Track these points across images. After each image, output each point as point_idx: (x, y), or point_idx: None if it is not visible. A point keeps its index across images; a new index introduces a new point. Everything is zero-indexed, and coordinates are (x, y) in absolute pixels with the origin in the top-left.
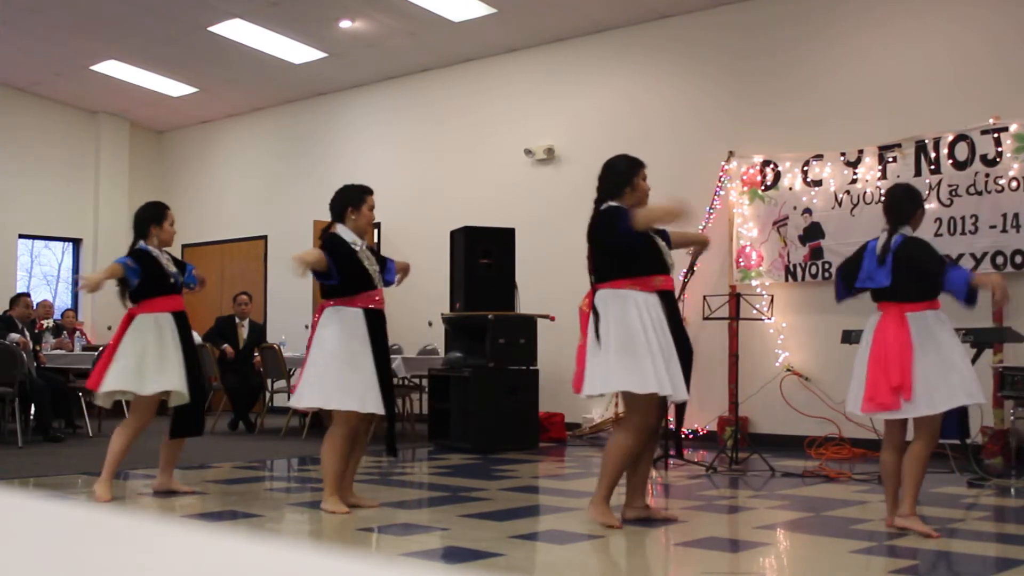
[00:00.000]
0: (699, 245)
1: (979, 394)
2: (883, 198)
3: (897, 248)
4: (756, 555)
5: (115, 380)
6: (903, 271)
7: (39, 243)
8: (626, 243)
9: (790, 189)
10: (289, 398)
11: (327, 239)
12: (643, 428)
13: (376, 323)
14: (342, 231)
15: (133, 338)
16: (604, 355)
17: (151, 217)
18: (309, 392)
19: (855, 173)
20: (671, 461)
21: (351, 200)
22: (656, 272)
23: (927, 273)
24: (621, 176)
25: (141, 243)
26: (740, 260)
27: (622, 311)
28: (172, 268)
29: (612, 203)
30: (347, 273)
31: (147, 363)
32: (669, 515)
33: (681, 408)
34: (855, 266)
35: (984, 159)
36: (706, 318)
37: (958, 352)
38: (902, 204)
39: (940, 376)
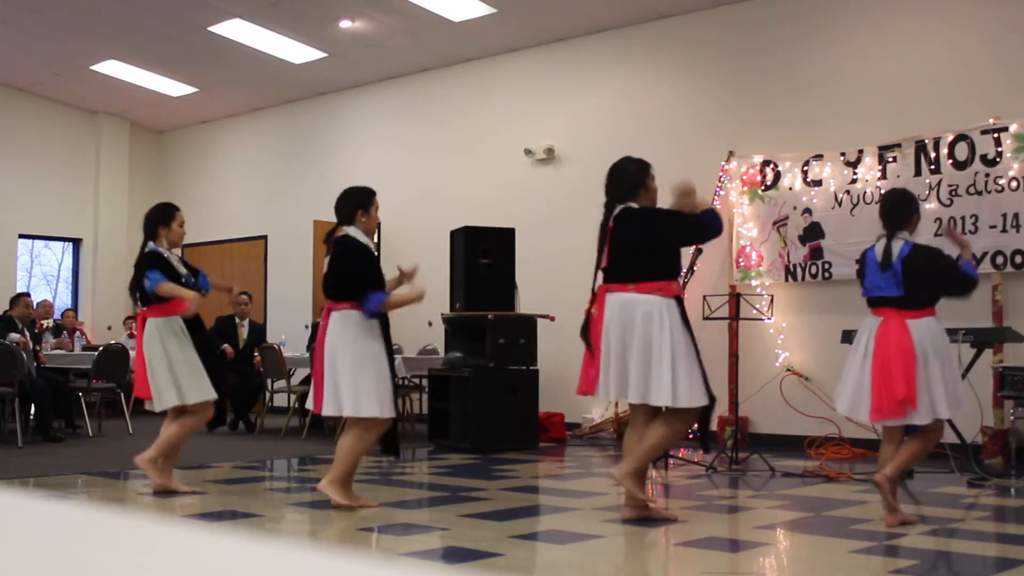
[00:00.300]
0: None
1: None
2: (880, 203)
3: (906, 258)
4: (756, 555)
5: (170, 396)
6: (914, 281)
7: (39, 243)
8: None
9: (790, 189)
10: (290, 399)
11: (343, 241)
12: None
13: (385, 325)
14: (354, 233)
15: (156, 348)
16: (673, 365)
17: (159, 218)
18: (346, 399)
19: (855, 173)
20: (671, 461)
21: (361, 202)
22: (678, 275)
23: (946, 279)
24: (633, 178)
25: (151, 244)
26: (740, 260)
27: (648, 319)
28: (183, 269)
29: (631, 204)
30: (372, 276)
31: (181, 373)
32: (669, 515)
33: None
34: (861, 277)
35: (984, 159)
36: (706, 318)
37: (954, 359)
38: (899, 208)
39: (941, 383)
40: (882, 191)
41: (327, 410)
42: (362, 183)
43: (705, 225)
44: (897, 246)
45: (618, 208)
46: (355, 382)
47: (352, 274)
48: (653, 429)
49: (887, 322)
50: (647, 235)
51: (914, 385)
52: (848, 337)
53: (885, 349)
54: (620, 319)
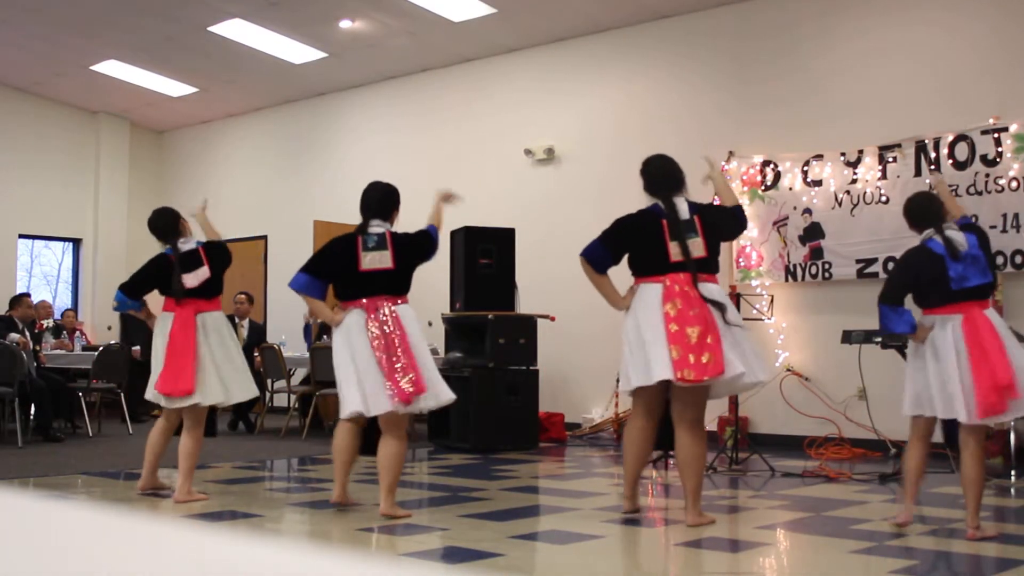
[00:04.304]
0: None
1: None
2: (911, 206)
3: (979, 244)
4: (756, 555)
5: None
6: (991, 266)
7: (39, 243)
8: None
9: (790, 189)
10: (290, 399)
11: (409, 237)
12: None
13: None
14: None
15: (228, 340)
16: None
17: (175, 215)
18: (444, 388)
19: (855, 173)
20: (671, 461)
21: (399, 200)
22: None
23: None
24: (681, 172)
25: (192, 240)
26: (740, 260)
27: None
28: None
29: (688, 198)
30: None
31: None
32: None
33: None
34: (928, 274)
35: (984, 159)
36: None
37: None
38: (933, 206)
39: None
40: (882, 191)
41: (434, 400)
42: (362, 183)
43: (742, 221)
44: (960, 236)
45: (682, 200)
46: (436, 373)
47: (412, 268)
48: (691, 452)
49: (970, 316)
50: (723, 231)
51: (1012, 371)
52: (848, 337)
53: (980, 343)
54: (726, 306)
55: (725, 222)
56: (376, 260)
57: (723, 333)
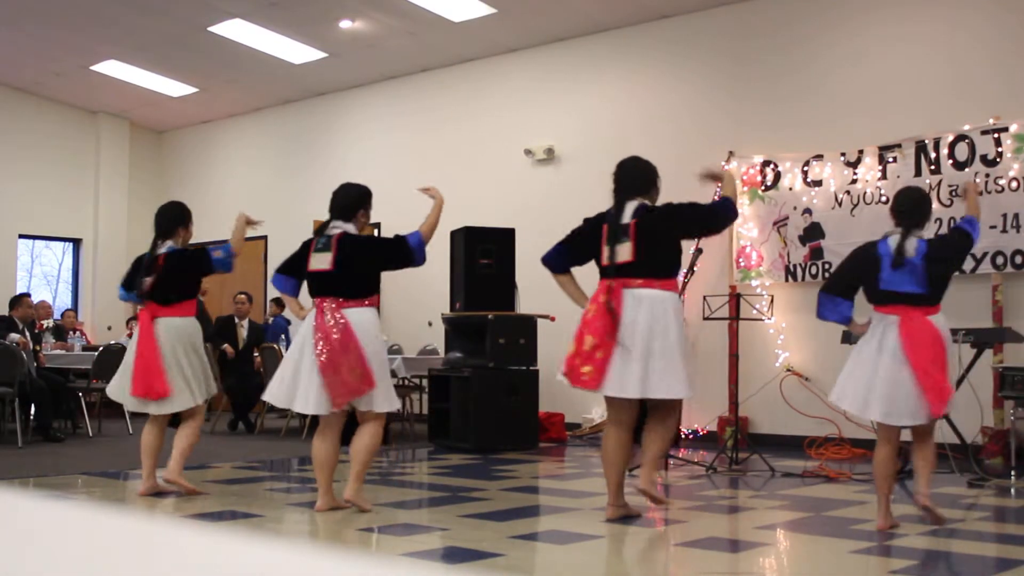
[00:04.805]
0: None
1: None
2: (898, 199)
3: (926, 255)
4: (756, 555)
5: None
6: (936, 279)
7: (39, 243)
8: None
9: (790, 189)
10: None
11: (367, 240)
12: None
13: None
14: (352, 231)
15: (200, 346)
16: (684, 360)
17: (181, 218)
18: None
19: (855, 173)
20: (671, 461)
21: (366, 201)
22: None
23: (963, 249)
24: (648, 175)
25: (170, 244)
26: (740, 260)
27: (676, 316)
28: None
29: (646, 201)
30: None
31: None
32: (638, 510)
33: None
34: (864, 273)
35: (984, 159)
36: (706, 318)
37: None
38: (921, 207)
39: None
40: (883, 191)
41: (387, 405)
42: (362, 183)
43: (719, 212)
44: (912, 244)
45: (633, 204)
46: (387, 376)
47: (377, 272)
48: (657, 432)
49: (912, 319)
50: (680, 230)
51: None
52: (848, 337)
53: (922, 348)
54: (649, 316)
55: (684, 221)
56: (320, 261)
57: (617, 350)
